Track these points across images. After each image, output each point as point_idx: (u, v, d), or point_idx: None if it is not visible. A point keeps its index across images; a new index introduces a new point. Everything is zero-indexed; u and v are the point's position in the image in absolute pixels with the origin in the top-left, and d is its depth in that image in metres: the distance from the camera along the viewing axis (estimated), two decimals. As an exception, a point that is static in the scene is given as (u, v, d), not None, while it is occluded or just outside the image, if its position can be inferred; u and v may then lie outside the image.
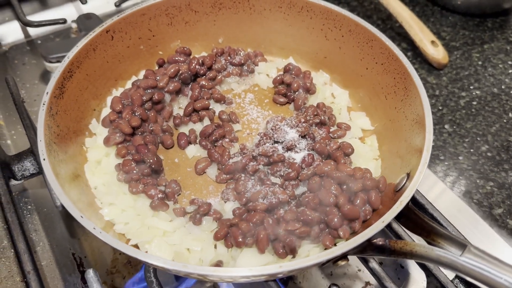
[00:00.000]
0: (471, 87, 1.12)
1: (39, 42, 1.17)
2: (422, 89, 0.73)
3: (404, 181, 0.67)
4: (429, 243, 0.61)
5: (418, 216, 0.62)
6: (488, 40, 1.26)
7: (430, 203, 0.76)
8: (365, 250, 0.60)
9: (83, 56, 0.80)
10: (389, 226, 0.73)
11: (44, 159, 0.64)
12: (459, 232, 0.73)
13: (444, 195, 0.91)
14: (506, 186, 0.92)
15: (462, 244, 0.54)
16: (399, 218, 0.66)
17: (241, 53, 0.94)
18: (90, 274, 0.65)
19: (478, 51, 1.23)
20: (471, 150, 0.98)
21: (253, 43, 0.98)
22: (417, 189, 0.63)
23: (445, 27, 1.30)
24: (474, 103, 1.08)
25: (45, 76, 0.75)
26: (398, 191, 0.67)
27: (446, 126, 1.02)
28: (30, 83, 1.08)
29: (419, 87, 0.73)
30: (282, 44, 0.97)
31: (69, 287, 0.76)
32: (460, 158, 0.97)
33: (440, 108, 1.07)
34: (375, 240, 0.59)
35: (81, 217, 0.58)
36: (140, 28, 0.89)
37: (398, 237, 0.73)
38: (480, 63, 1.19)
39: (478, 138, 1.01)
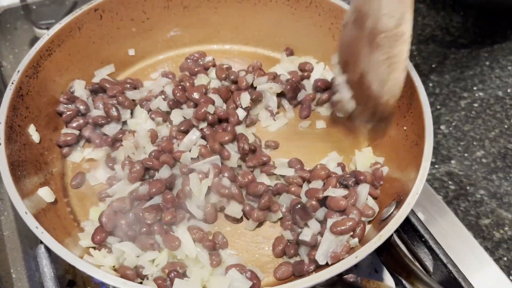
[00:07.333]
0: (475, 88, 1.03)
1: (34, 7, 1.13)
2: (427, 107, 0.65)
3: (392, 209, 0.60)
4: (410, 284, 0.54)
5: (399, 254, 0.55)
6: (500, 40, 1.15)
7: (420, 220, 0.67)
8: (334, 285, 0.53)
9: (65, 34, 0.75)
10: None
11: (0, 144, 0.59)
12: (448, 256, 0.62)
13: (429, 200, 0.82)
14: (498, 195, 0.84)
15: (442, 296, 0.48)
16: (380, 252, 0.59)
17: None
18: (41, 249, 0.57)
19: (487, 51, 1.12)
20: (465, 155, 0.91)
21: (254, 39, 0.91)
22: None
23: (454, 23, 1.18)
24: (476, 105, 1.00)
25: (35, 42, 0.72)
26: (384, 220, 0.60)
27: (442, 127, 0.95)
28: (19, 49, 1.04)
29: (424, 105, 0.65)
30: (286, 40, 0.90)
31: (28, 260, 0.72)
32: (452, 162, 0.89)
33: (438, 107, 0.99)
34: (346, 276, 0.53)
35: (25, 213, 0.53)
36: (134, 9, 0.83)
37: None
38: (487, 63, 1.09)
39: (475, 143, 0.93)
